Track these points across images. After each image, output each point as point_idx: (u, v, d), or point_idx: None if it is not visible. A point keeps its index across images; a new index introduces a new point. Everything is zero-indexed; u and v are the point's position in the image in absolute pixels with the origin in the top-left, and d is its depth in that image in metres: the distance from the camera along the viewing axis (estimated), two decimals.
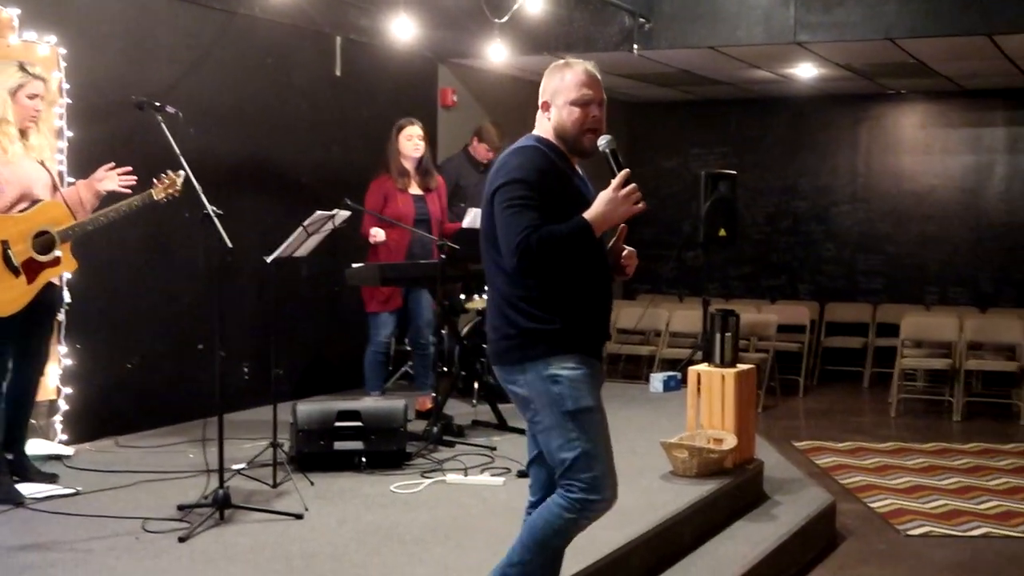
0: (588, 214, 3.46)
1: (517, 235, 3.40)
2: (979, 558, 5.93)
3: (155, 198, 5.23)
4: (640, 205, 3.48)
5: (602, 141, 3.60)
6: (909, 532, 6.35)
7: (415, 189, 7.30)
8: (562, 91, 3.58)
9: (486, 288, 3.83)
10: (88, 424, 6.41)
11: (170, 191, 5.25)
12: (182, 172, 5.17)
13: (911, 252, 12.27)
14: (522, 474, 5.72)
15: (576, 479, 3.50)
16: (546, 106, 3.63)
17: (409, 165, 7.26)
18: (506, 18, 8.60)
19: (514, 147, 3.61)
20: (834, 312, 12.14)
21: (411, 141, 7.22)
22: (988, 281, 11.98)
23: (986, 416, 9.97)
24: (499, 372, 3.66)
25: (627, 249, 3.72)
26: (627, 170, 3.50)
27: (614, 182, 3.48)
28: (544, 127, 3.65)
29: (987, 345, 10.59)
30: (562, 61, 3.65)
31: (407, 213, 7.17)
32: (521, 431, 6.67)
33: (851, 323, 11.99)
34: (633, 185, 3.47)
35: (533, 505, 3.74)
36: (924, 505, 6.90)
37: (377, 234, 7.04)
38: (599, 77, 3.63)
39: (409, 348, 7.79)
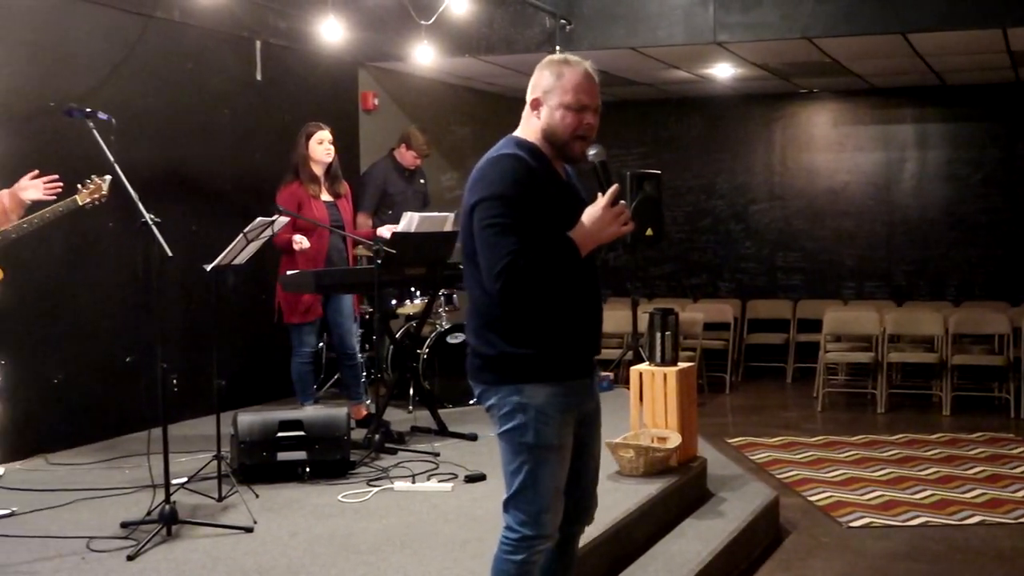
0: (574, 233, 3.25)
1: (500, 260, 3.19)
2: (922, 547, 6.02)
3: (80, 203, 5.08)
4: (628, 226, 3.27)
5: (592, 152, 3.36)
6: (851, 524, 6.41)
7: (326, 195, 7.07)
8: (556, 91, 3.32)
9: (465, 301, 3.64)
10: (16, 442, 6.19)
11: (96, 196, 5.10)
12: (107, 176, 5.01)
13: (828, 248, 12.47)
14: (469, 479, 5.67)
15: (517, 508, 3.40)
16: (536, 104, 3.37)
17: (319, 171, 7.02)
18: (432, 20, 8.52)
19: (492, 155, 3.35)
20: (756, 309, 12.28)
21: (322, 146, 6.96)
22: (902, 275, 12.22)
23: (908, 407, 10.16)
24: (473, 386, 3.49)
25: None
26: (616, 186, 3.25)
27: (603, 200, 3.25)
28: (531, 126, 3.40)
29: (904, 337, 10.80)
30: (559, 57, 3.39)
31: (322, 220, 6.94)
32: (463, 436, 6.65)
33: (772, 319, 12.14)
34: (622, 203, 3.25)
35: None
36: (861, 497, 6.99)
37: (302, 241, 6.82)
38: (597, 80, 3.38)
39: (335, 356, 7.63)
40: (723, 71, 10.76)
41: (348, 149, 8.96)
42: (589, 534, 4.75)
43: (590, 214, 3.27)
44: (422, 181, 8.63)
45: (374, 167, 8.63)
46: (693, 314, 10.96)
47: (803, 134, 12.63)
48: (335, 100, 9.32)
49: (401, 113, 10.28)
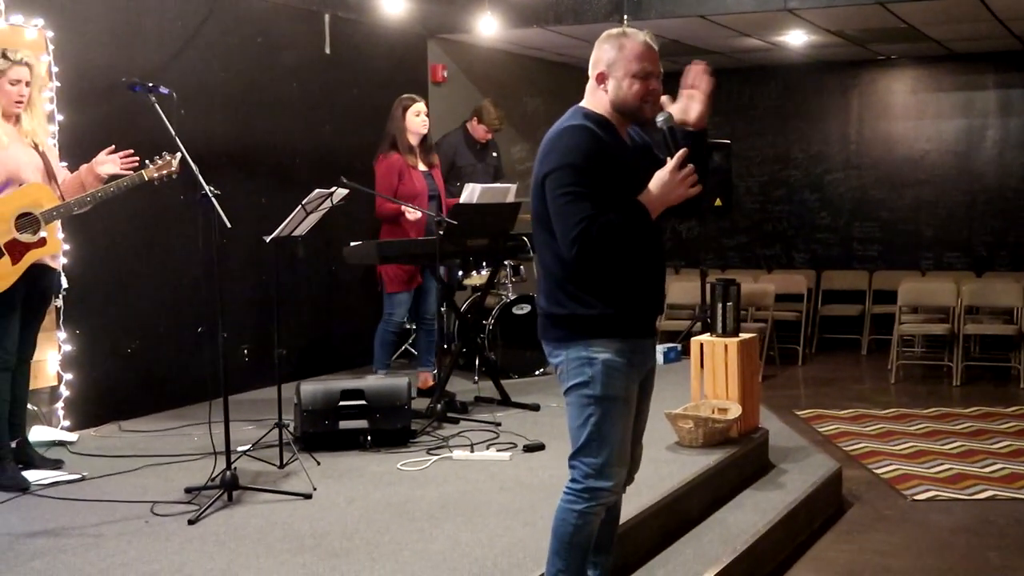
0: (644, 197, 3.40)
1: (574, 227, 3.35)
2: (987, 521, 5.93)
3: (146, 178, 5.18)
4: (696, 188, 3.40)
5: (660, 117, 3.49)
6: (915, 497, 6.34)
7: (421, 165, 7.25)
8: (620, 63, 3.48)
9: (535, 265, 3.76)
10: (90, 409, 6.39)
11: (165, 172, 5.20)
12: (178, 154, 5.11)
13: (906, 218, 12.26)
14: (528, 448, 5.72)
15: (583, 462, 3.52)
16: (601, 78, 3.52)
17: (415, 141, 7.22)
18: None
19: (560, 126, 3.51)
20: (831, 280, 12.15)
21: (419, 117, 7.18)
22: (983, 245, 11.97)
23: (985, 380, 9.98)
24: (543, 344, 3.65)
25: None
26: (685, 149, 3.39)
27: (671, 163, 3.39)
28: (598, 99, 3.54)
29: (983, 309, 10.60)
30: (617, 30, 3.55)
31: (421, 189, 7.14)
32: (525, 406, 6.70)
33: (848, 291, 12.00)
34: (690, 166, 3.37)
35: None
36: (929, 470, 6.90)
37: (416, 211, 6.96)
38: (656, 47, 3.52)
39: (413, 325, 7.77)
40: (796, 38, 10.61)
41: None
42: (644, 503, 4.81)
43: (658, 178, 3.41)
44: (495, 155, 8.66)
45: (445, 138, 8.68)
46: (765, 285, 10.88)
47: (881, 102, 12.41)
48: (404, 73, 9.37)
49: (471, 85, 10.31)
